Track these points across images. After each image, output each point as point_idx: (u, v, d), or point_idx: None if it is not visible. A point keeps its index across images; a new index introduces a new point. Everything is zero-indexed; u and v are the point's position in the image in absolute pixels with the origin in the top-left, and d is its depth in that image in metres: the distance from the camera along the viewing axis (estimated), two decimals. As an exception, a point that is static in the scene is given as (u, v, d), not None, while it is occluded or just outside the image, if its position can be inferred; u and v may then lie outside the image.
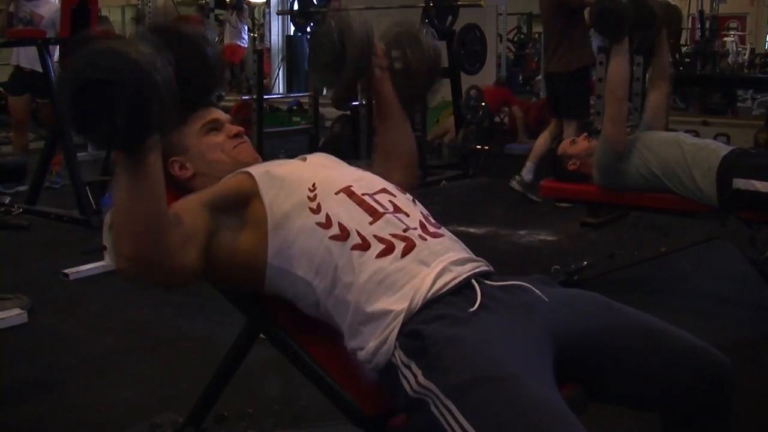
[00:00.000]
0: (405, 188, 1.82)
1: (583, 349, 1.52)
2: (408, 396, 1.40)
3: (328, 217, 1.57)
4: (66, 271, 4.18)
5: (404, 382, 1.41)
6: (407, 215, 1.61)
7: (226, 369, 2.05)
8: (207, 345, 3.15)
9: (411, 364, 1.40)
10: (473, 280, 1.52)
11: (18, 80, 6.56)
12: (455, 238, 1.65)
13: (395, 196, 1.66)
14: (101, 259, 4.29)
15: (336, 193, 1.61)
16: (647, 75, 3.89)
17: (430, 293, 1.47)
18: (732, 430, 1.57)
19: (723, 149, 3.35)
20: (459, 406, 1.31)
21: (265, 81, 9.96)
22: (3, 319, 3.45)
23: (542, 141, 6.14)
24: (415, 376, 1.39)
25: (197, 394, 2.13)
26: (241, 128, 1.88)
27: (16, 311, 3.52)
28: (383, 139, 2.01)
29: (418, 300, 1.46)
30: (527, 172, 6.13)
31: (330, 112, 7.85)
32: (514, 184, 6.14)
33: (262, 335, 1.85)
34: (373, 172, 1.83)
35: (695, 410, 1.53)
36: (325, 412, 2.03)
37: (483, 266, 1.59)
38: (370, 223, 1.56)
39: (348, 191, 1.62)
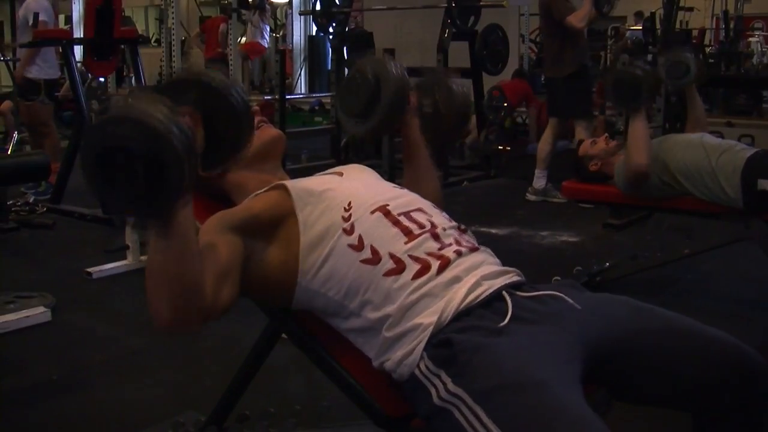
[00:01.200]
0: None
1: (616, 354, 1.51)
2: (432, 405, 1.39)
3: (360, 239, 1.54)
4: (89, 269, 4.21)
5: (432, 391, 1.39)
6: (444, 230, 1.60)
7: (249, 368, 2.06)
8: (230, 344, 3.16)
9: (440, 372, 1.39)
10: (504, 292, 1.51)
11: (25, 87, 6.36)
12: (488, 250, 1.64)
13: (432, 216, 1.64)
14: (124, 257, 4.32)
15: (372, 213, 1.59)
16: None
17: (461, 306, 1.46)
18: (765, 428, 1.56)
19: (747, 150, 3.33)
20: (487, 410, 1.30)
21: (287, 81, 9.99)
22: (27, 317, 3.48)
23: (544, 145, 6.12)
24: (445, 384, 1.37)
25: (220, 393, 2.14)
26: (256, 107, 1.87)
27: (40, 309, 3.55)
28: (408, 182, 1.99)
29: (449, 313, 1.45)
30: (537, 180, 6.13)
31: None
32: (530, 196, 6.16)
33: (284, 335, 1.86)
34: None
35: (728, 407, 1.51)
36: (347, 412, 2.03)
37: (515, 276, 1.58)
38: (405, 243, 1.54)
39: (384, 210, 1.60)
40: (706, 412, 1.55)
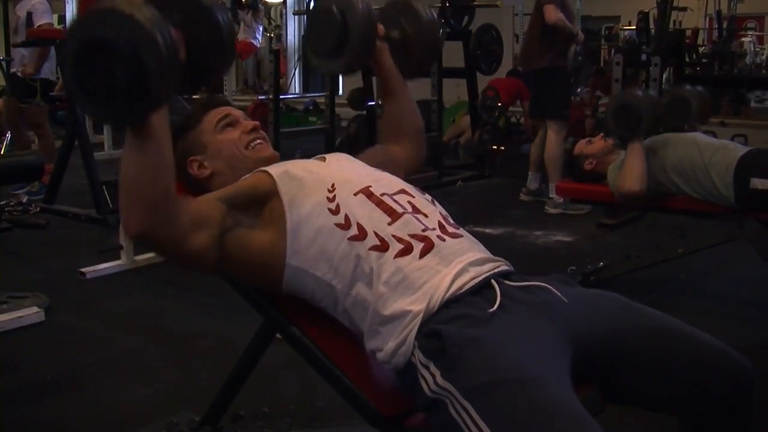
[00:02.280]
0: (414, 161, 1.89)
1: (602, 350, 1.52)
2: (426, 396, 1.40)
3: (347, 217, 1.57)
4: (83, 269, 4.20)
5: (422, 382, 1.40)
6: (426, 216, 1.61)
7: (243, 368, 2.06)
8: (224, 344, 3.16)
9: (429, 364, 1.40)
10: (493, 280, 1.51)
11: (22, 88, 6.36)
12: (474, 238, 1.65)
13: (414, 197, 1.66)
14: (118, 258, 4.31)
15: (355, 194, 1.61)
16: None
17: (448, 293, 1.46)
18: (752, 432, 1.56)
19: (740, 149, 3.35)
20: (477, 407, 1.31)
21: (281, 81, 9.98)
22: (21, 317, 3.47)
23: (535, 149, 6.09)
24: (434, 377, 1.38)
25: (214, 393, 2.14)
26: (256, 123, 1.88)
27: (34, 310, 3.54)
28: (388, 112, 2.04)
29: (437, 300, 1.46)
30: (531, 182, 6.13)
31: (346, 112, 7.85)
32: (523, 196, 6.15)
33: (278, 335, 1.86)
34: (382, 145, 1.89)
35: (714, 412, 1.52)
36: (342, 412, 2.04)
37: (503, 266, 1.58)
38: (389, 224, 1.56)
39: (367, 192, 1.62)
40: (691, 415, 1.55)
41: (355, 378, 1.60)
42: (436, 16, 2.14)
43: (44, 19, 6.19)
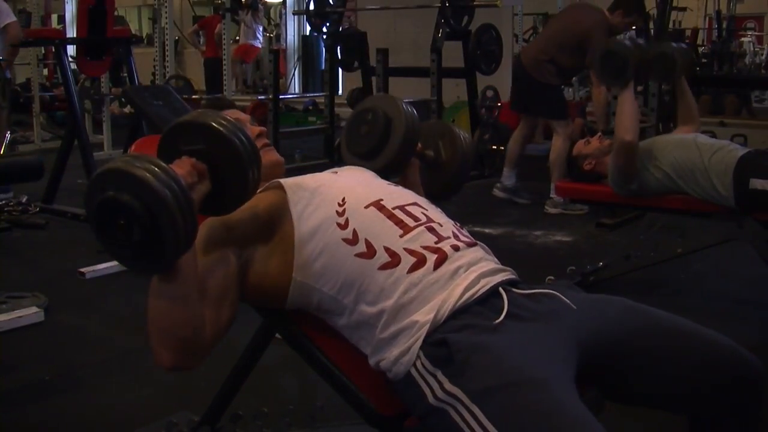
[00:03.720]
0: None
1: (611, 355, 1.52)
2: (428, 405, 1.39)
3: (355, 233, 1.54)
4: (82, 269, 4.20)
5: (427, 391, 1.39)
6: (441, 225, 1.59)
7: (242, 368, 2.06)
8: (223, 344, 3.14)
9: (437, 372, 1.39)
10: (501, 288, 1.51)
11: None
12: (486, 247, 1.64)
13: (427, 210, 1.64)
14: (117, 258, 4.30)
15: (365, 207, 1.59)
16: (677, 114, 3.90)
17: (458, 304, 1.45)
18: (761, 430, 1.56)
19: (740, 150, 3.35)
20: (485, 410, 1.30)
21: (280, 81, 9.97)
22: (20, 317, 3.47)
23: (514, 144, 6.01)
24: (441, 384, 1.37)
25: (213, 393, 2.14)
26: (263, 128, 1.87)
27: (33, 309, 3.54)
28: None
29: (445, 311, 1.44)
30: (506, 178, 6.05)
31: (345, 112, 7.84)
32: (497, 192, 6.08)
33: (278, 335, 1.86)
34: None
35: (723, 410, 1.52)
36: (341, 412, 2.04)
37: (510, 275, 1.57)
38: (401, 236, 1.54)
39: (378, 205, 1.60)
40: (701, 414, 1.55)
41: (355, 378, 1.60)
42: (473, 146, 2.14)
43: (10, 17, 6.24)
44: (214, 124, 1.43)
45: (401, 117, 1.88)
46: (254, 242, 1.59)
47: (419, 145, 1.99)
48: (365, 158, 1.93)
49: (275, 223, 1.60)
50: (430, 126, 2.12)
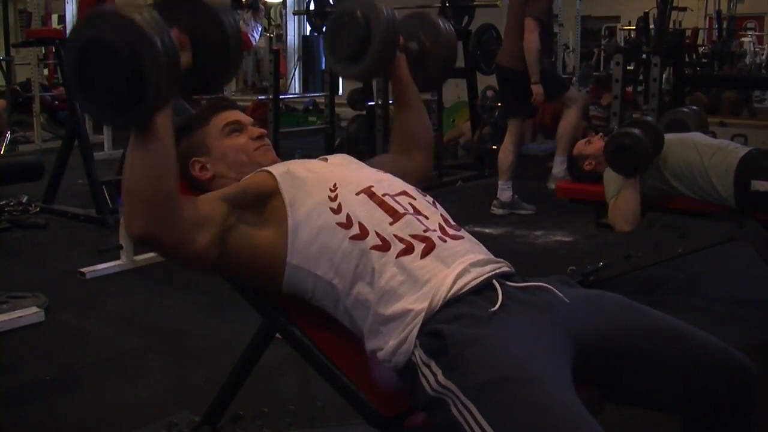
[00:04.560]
0: (423, 172, 1.90)
1: (604, 351, 1.52)
2: (427, 395, 1.40)
3: (348, 217, 1.57)
4: (83, 269, 4.20)
5: (423, 381, 1.40)
6: (426, 218, 1.61)
7: (243, 368, 2.06)
8: (224, 344, 3.16)
9: (431, 363, 1.40)
10: (494, 281, 1.51)
11: None
12: (475, 240, 1.65)
13: (415, 199, 1.66)
14: (118, 258, 4.31)
15: (357, 194, 1.61)
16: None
17: (450, 292, 1.46)
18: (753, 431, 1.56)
19: (741, 150, 3.34)
20: (479, 406, 1.31)
21: (281, 81, 9.97)
22: (20, 317, 3.47)
23: (504, 154, 5.69)
24: (435, 375, 1.38)
25: (213, 394, 2.14)
26: (263, 130, 1.88)
27: (33, 309, 3.54)
28: (400, 122, 2.05)
29: (439, 299, 1.46)
30: (502, 192, 5.74)
31: (346, 112, 7.85)
32: (495, 210, 5.75)
33: (278, 335, 1.86)
34: (392, 155, 1.90)
35: (716, 412, 1.52)
36: (341, 412, 2.03)
37: (504, 267, 1.58)
38: (390, 224, 1.56)
39: (368, 192, 1.62)
40: (693, 415, 1.56)
41: (355, 378, 1.60)
42: (454, 31, 2.14)
43: None
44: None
45: (378, 14, 1.88)
46: (245, 209, 1.62)
47: (401, 39, 1.99)
48: (351, 61, 1.94)
49: (264, 198, 1.64)
50: (409, 19, 2.11)
